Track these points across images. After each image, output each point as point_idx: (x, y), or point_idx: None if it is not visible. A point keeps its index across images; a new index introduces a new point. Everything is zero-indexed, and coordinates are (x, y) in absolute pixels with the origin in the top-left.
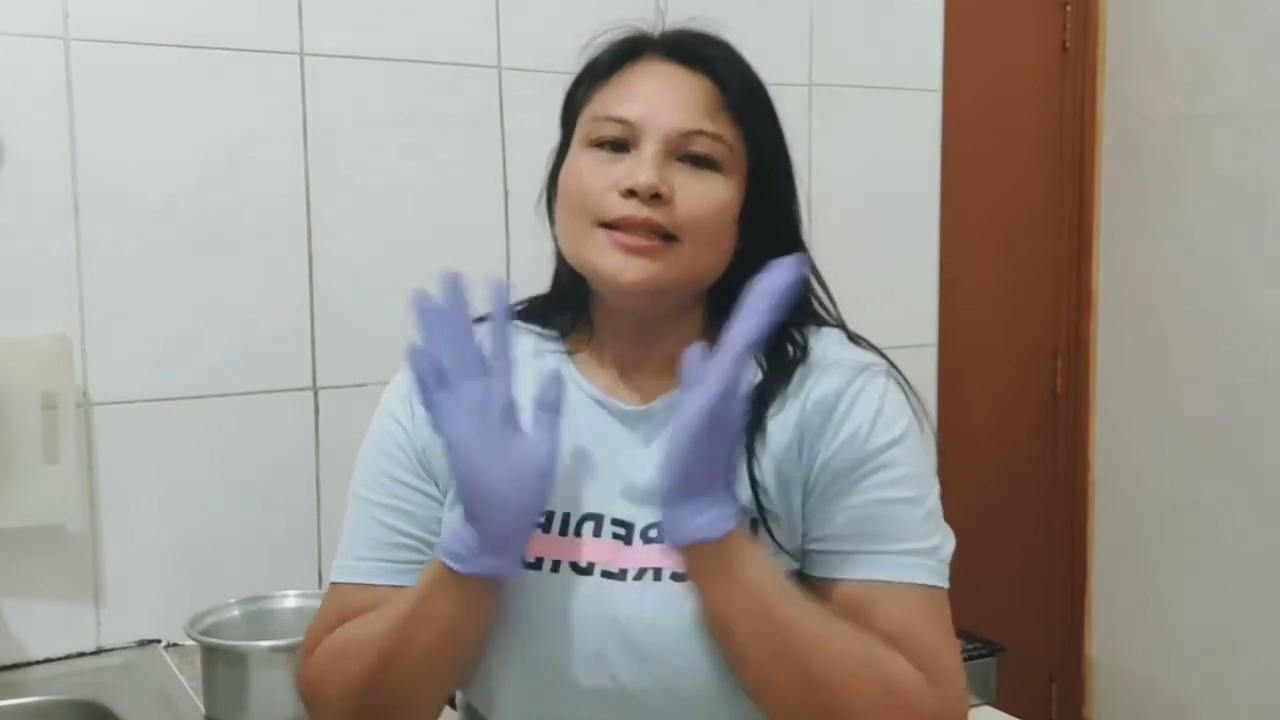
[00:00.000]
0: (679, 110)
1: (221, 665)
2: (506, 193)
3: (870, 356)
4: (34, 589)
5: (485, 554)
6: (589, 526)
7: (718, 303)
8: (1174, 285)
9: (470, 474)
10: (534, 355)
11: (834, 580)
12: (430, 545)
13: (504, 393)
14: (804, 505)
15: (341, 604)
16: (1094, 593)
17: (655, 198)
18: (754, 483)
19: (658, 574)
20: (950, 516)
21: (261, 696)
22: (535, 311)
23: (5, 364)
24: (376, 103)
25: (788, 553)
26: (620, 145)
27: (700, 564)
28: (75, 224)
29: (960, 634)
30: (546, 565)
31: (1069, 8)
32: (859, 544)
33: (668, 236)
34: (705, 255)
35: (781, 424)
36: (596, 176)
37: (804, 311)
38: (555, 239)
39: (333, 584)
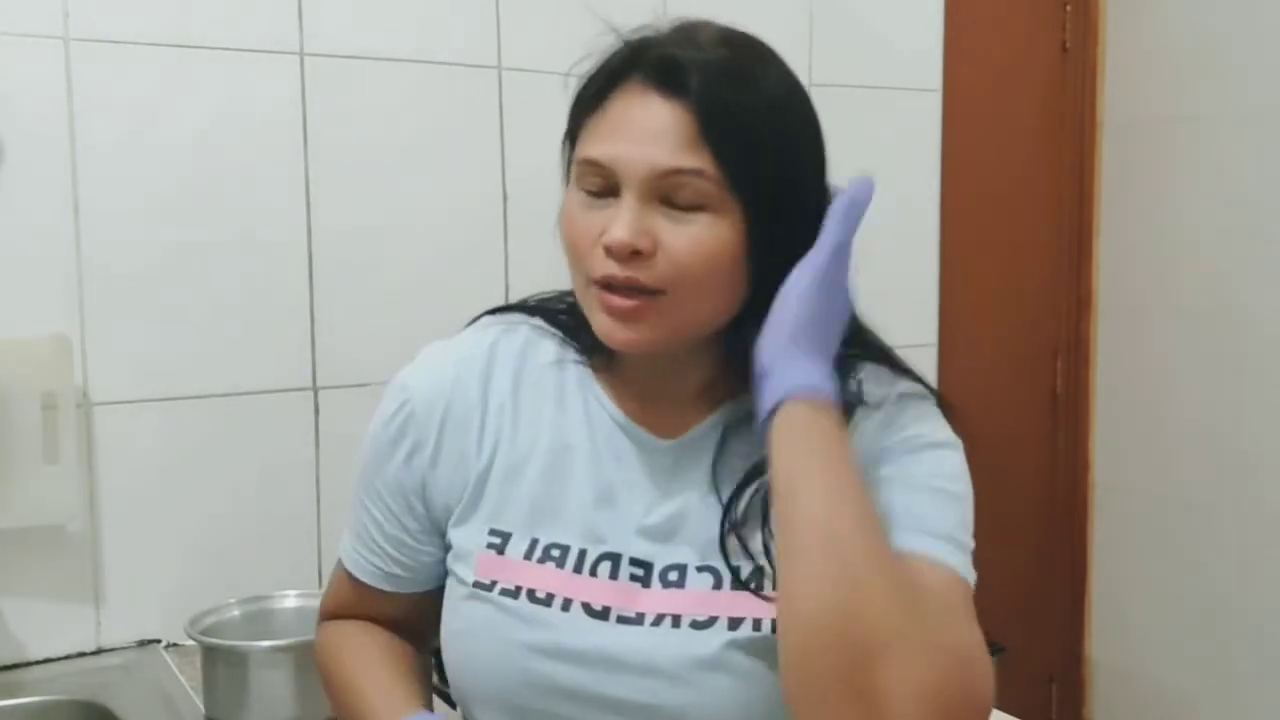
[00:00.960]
0: (654, 148)
1: (221, 665)
2: (505, 194)
3: (915, 386)
4: (34, 589)
5: None
6: (605, 567)
7: (742, 334)
8: (1174, 285)
9: None
10: (554, 364)
11: None
12: (394, 560)
13: None
14: None
15: (338, 577)
16: (1094, 593)
17: (636, 253)
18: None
19: (676, 620)
20: None
21: (261, 696)
22: (552, 314)
23: (5, 364)
24: (376, 103)
25: None
26: (607, 188)
27: (791, 421)
28: (75, 224)
29: None
30: (557, 603)
31: (1069, 8)
32: (898, 520)
33: (655, 291)
34: (701, 303)
35: None
36: (584, 227)
37: (852, 339)
38: None
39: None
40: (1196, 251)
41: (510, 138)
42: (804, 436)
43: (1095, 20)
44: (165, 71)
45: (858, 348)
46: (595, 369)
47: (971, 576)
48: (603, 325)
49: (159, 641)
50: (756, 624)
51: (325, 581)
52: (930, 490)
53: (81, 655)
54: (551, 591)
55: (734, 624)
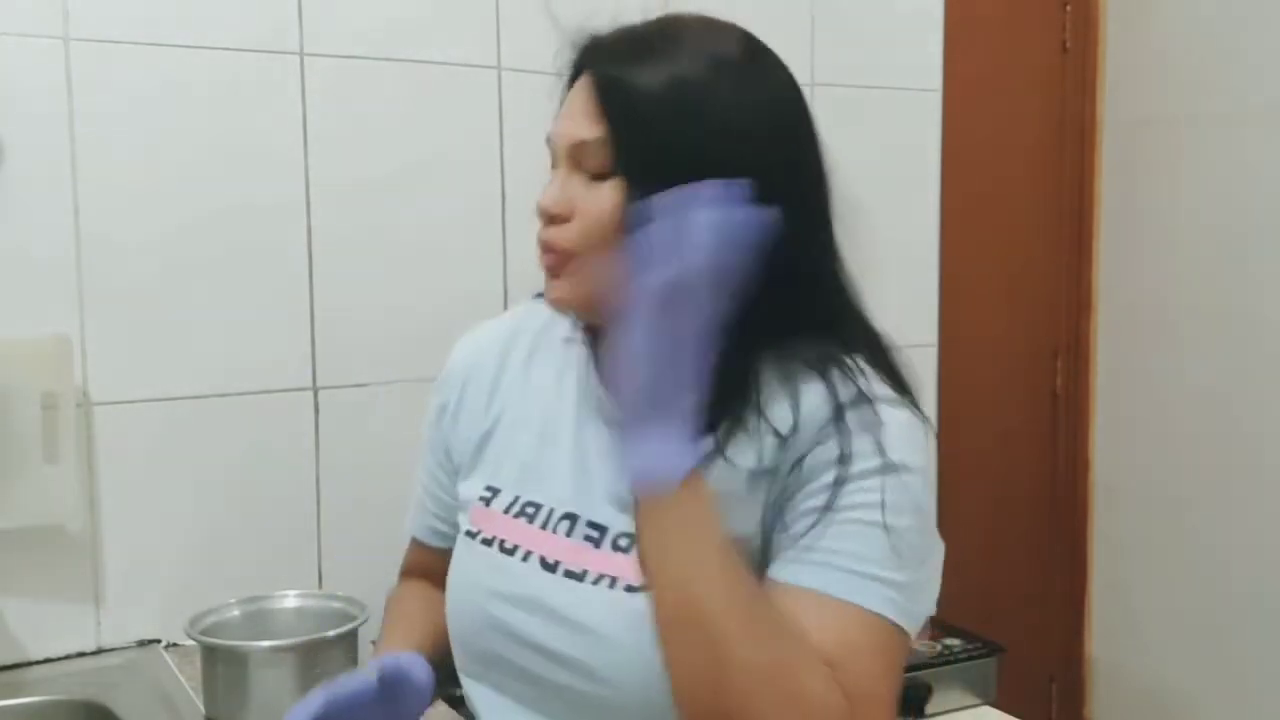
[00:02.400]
0: (571, 122)
1: (221, 665)
2: (504, 195)
3: (884, 390)
4: (34, 589)
5: None
6: (564, 525)
7: None
8: (1174, 286)
9: None
10: (564, 341)
11: (780, 581)
12: (436, 515)
13: None
14: (769, 493)
15: (410, 546)
16: (1094, 593)
17: (553, 218)
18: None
19: (613, 582)
20: (951, 517)
21: (261, 696)
22: None
23: (5, 364)
24: (376, 103)
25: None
26: (554, 164)
27: (645, 508)
28: (75, 224)
29: (960, 634)
30: (519, 553)
31: (1069, 8)
32: (814, 553)
33: (568, 253)
34: (611, 269)
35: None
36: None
37: (834, 328)
38: None
39: None
40: (1196, 251)
41: (510, 138)
42: (658, 531)
43: (1095, 20)
44: (165, 71)
45: (837, 341)
46: (595, 343)
47: (908, 612)
48: (544, 284)
49: (159, 641)
50: None
51: (325, 581)
52: (863, 524)
53: (81, 655)
54: (518, 543)
55: None
